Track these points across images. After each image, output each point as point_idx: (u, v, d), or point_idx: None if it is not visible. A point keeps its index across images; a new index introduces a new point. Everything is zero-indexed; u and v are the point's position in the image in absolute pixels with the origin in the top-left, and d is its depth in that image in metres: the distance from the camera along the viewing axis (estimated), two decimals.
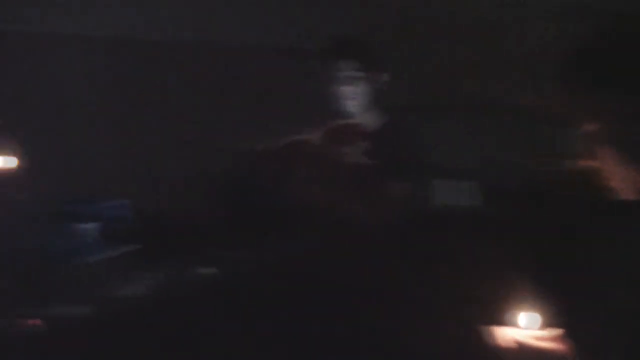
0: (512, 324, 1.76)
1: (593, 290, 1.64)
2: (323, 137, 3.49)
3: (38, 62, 3.41)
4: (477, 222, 3.27)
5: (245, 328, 2.93)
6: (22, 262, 2.79)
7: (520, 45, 3.83)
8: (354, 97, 3.46)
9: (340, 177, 3.46)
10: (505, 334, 1.76)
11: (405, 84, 3.58)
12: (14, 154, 2.65)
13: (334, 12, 3.77)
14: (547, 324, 1.72)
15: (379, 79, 3.48)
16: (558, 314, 1.72)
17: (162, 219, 3.36)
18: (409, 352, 2.64)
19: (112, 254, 3.13)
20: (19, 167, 2.64)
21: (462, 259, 2.82)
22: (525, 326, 1.74)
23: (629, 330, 1.60)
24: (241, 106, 3.92)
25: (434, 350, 2.48)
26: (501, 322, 1.78)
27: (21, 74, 3.23)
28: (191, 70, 3.86)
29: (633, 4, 1.82)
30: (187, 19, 3.76)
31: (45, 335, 2.64)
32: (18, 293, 2.71)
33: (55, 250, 2.93)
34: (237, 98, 3.92)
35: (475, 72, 3.84)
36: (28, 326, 2.65)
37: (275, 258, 3.21)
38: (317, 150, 3.51)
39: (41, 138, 3.15)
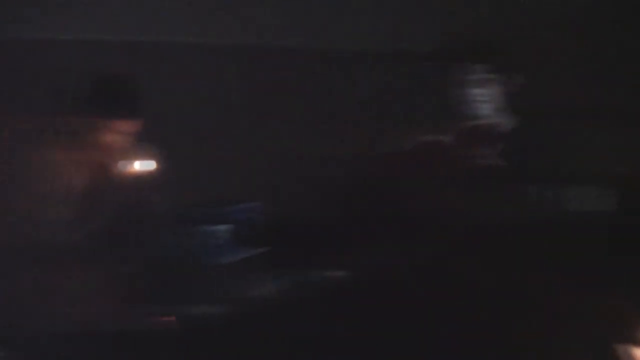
0: None
1: None
2: (454, 139, 3.45)
3: (177, 69, 3.49)
4: (610, 230, 3.18)
5: (370, 332, 2.93)
6: (156, 263, 2.86)
7: None
8: (486, 100, 3.42)
9: (471, 179, 3.41)
10: None
11: (538, 86, 3.51)
12: (152, 158, 2.71)
13: (465, 13, 3.72)
14: None
15: (512, 81, 3.42)
16: None
17: (292, 222, 3.38)
18: None
19: (242, 256, 3.17)
20: (156, 170, 2.70)
21: (595, 269, 2.75)
22: None
23: None
24: (371, 110, 3.91)
25: None
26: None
27: (160, 80, 3.31)
28: (321, 77, 3.87)
29: None
30: (318, 26, 3.78)
31: (177, 335, 2.70)
32: (152, 293, 2.77)
33: (187, 252, 2.99)
34: (367, 102, 3.91)
35: (607, 75, 3.73)
36: (161, 326, 2.71)
37: (402, 263, 3.20)
38: (448, 151, 3.47)
39: (176, 141, 3.21)
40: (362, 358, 2.88)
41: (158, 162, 2.72)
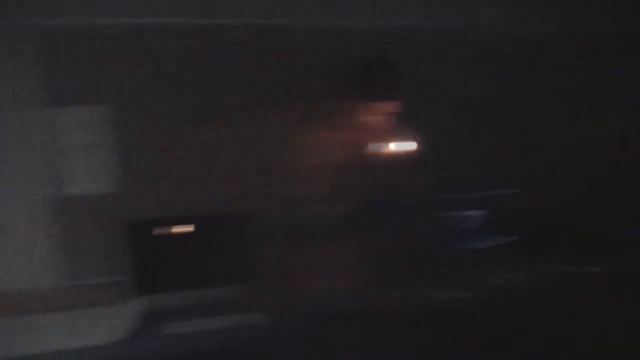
0: None
1: None
2: None
3: (439, 53, 3.50)
4: None
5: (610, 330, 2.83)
6: (408, 245, 2.87)
7: None
8: None
9: None
10: None
11: None
12: (414, 139, 2.72)
13: None
14: None
15: None
16: None
17: (545, 212, 3.31)
18: None
19: (495, 242, 3.14)
20: (413, 152, 2.71)
21: None
22: None
23: None
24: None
25: None
26: None
27: (421, 64, 3.33)
28: (536, 63, 3.76)
29: None
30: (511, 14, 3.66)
31: (423, 317, 2.71)
32: (401, 274, 2.79)
33: (438, 235, 3.00)
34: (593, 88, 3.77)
35: None
36: (406, 307, 2.73)
37: None
38: None
39: (434, 124, 3.22)
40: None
41: (416, 144, 2.72)
